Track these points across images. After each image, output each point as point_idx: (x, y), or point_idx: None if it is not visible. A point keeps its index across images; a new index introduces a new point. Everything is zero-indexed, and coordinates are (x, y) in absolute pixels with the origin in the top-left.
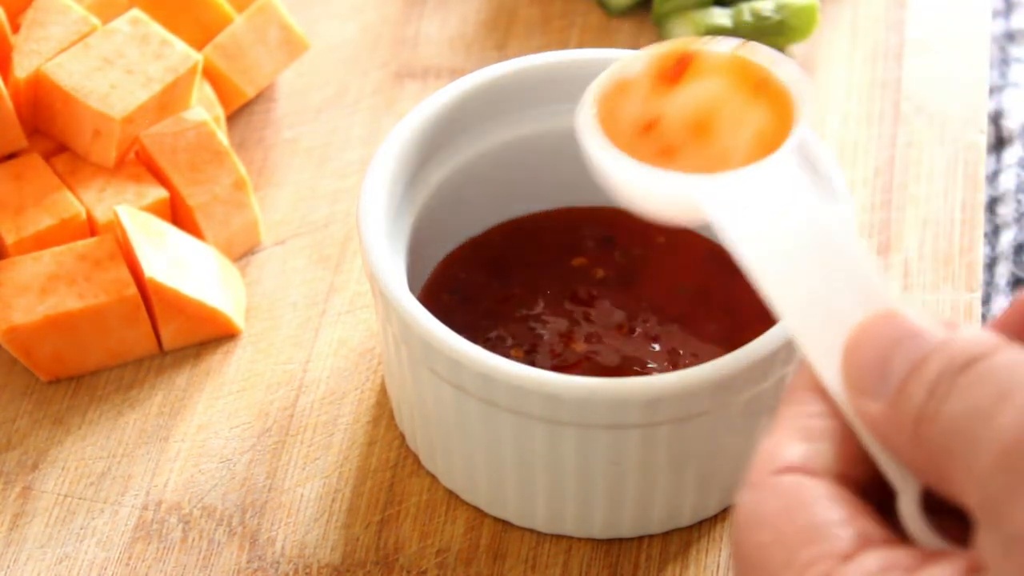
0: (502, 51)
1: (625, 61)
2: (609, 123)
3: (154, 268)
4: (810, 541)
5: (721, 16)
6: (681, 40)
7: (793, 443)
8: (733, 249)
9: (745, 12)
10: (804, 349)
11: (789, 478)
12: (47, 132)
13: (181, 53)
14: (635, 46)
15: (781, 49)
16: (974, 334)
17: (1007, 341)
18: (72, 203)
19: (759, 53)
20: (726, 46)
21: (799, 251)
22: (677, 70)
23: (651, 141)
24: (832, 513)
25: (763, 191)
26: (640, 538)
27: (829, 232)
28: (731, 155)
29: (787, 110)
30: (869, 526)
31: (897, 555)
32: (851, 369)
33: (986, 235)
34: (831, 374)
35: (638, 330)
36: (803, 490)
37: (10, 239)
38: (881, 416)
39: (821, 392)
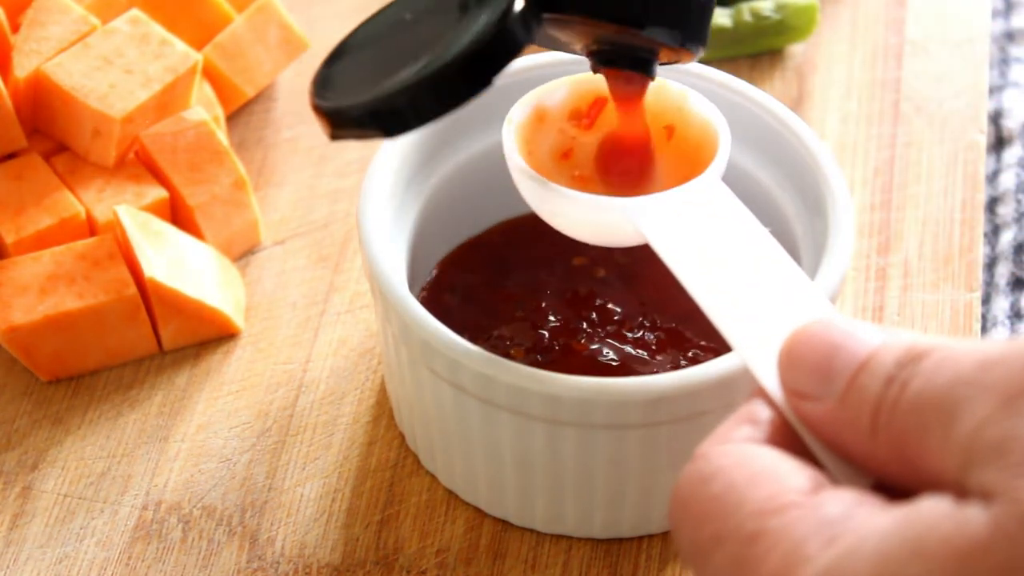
0: None
1: (542, 91)
2: (531, 145)
3: (154, 268)
4: (764, 482)
5: (721, 16)
6: (596, 79)
7: (741, 426)
8: (668, 266)
9: (745, 12)
10: (744, 358)
11: (736, 444)
12: (47, 132)
13: (181, 53)
14: None
15: (781, 49)
16: (918, 335)
17: (953, 339)
18: (72, 203)
19: (671, 89)
20: (638, 84)
21: (730, 265)
22: (592, 112)
23: (569, 167)
24: (783, 462)
25: (693, 209)
26: (640, 538)
27: (760, 247)
28: (649, 182)
29: (707, 142)
30: (822, 476)
31: (866, 496)
32: (789, 374)
33: (986, 235)
34: (771, 382)
35: (638, 330)
36: (751, 449)
37: (10, 239)
38: (827, 416)
39: (768, 398)
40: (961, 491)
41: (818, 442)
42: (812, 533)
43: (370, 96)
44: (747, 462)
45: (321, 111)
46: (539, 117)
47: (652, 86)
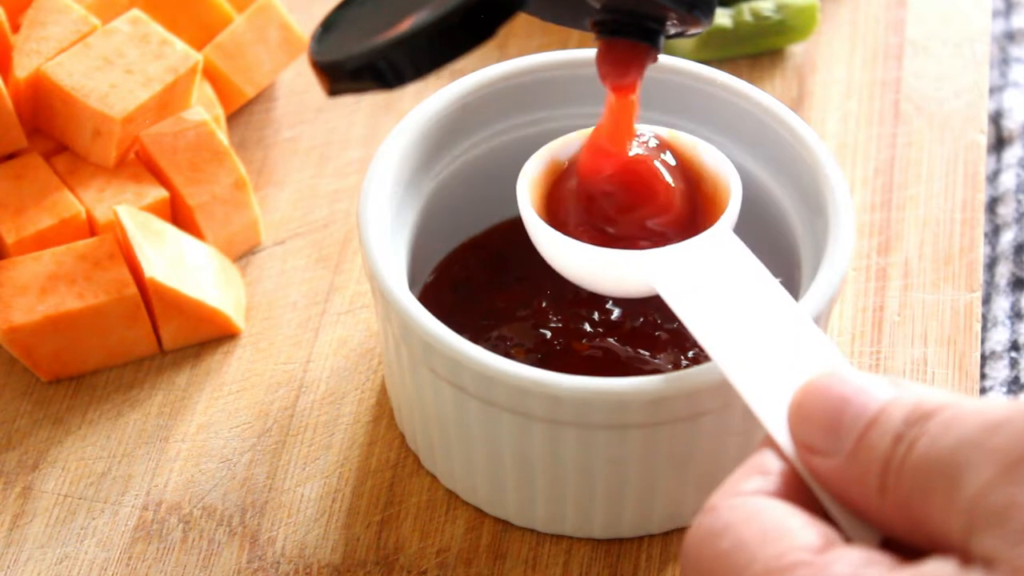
0: (502, 51)
1: (556, 145)
2: (550, 198)
3: (154, 268)
4: (773, 540)
5: (721, 16)
6: (606, 134)
7: (751, 477)
8: (679, 317)
9: (745, 12)
10: (753, 410)
11: (747, 499)
12: (47, 132)
13: (181, 53)
14: None
15: (781, 49)
16: (926, 389)
17: (958, 396)
18: (72, 203)
19: (683, 139)
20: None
21: (740, 317)
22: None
23: (590, 215)
24: (792, 518)
25: (704, 260)
26: (640, 538)
27: (770, 298)
28: (665, 232)
29: (719, 193)
30: (832, 532)
31: (876, 555)
32: (799, 428)
33: (986, 235)
34: (782, 435)
35: (639, 330)
36: (761, 503)
37: (10, 239)
38: (836, 471)
39: (778, 449)
40: (966, 554)
41: (828, 496)
42: None
43: (367, 48)
44: (756, 517)
45: (318, 66)
46: (553, 170)
47: (665, 135)
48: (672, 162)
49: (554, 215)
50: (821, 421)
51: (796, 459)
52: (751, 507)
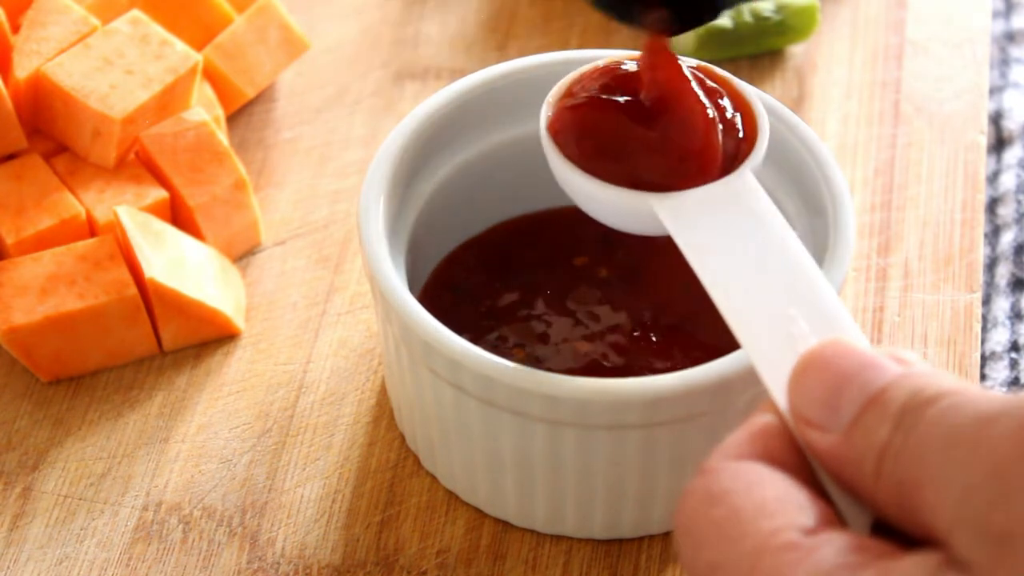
0: (502, 51)
1: (580, 70)
2: (567, 133)
3: (154, 268)
4: (769, 514)
5: (721, 17)
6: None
7: (753, 440)
8: (690, 263)
9: (745, 12)
10: (758, 369)
11: (747, 464)
12: (47, 132)
13: (181, 53)
14: (635, 46)
15: (781, 49)
16: (930, 370)
17: (963, 381)
18: (72, 203)
19: (716, 69)
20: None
21: (753, 270)
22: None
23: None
24: (792, 493)
25: (719, 208)
26: (640, 539)
27: (786, 253)
28: (690, 166)
29: (748, 125)
30: (831, 512)
31: (865, 541)
32: (798, 400)
33: (986, 235)
34: (783, 399)
35: (639, 330)
36: (761, 472)
37: (10, 239)
38: (833, 449)
39: (779, 414)
40: (950, 551)
41: (824, 472)
42: None
43: None
44: (755, 489)
45: None
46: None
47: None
48: (723, 103)
49: (578, 140)
50: (820, 396)
51: (794, 429)
52: (751, 476)
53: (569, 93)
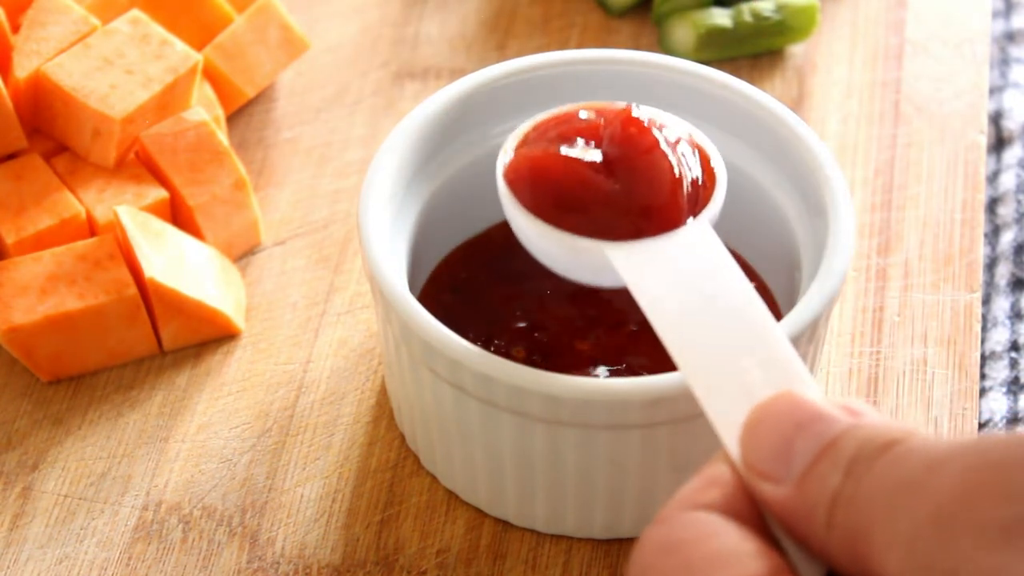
0: (502, 51)
1: (537, 118)
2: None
3: (154, 268)
4: (722, 565)
5: (721, 16)
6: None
7: (708, 489)
8: (644, 311)
9: (745, 12)
10: (711, 420)
11: (702, 514)
12: (47, 132)
13: (181, 53)
14: (635, 46)
15: (781, 49)
16: (881, 419)
17: (913, 428)
18: (72, 203)
19: (678, 124)
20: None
21: (707, 320)
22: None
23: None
24: (745, 544)
25: (675, 257)
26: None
27: (739, 303)
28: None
29: (707, 173)
30: (784, 564)
31: None
32: (751, 452)
33: (986, 235)
34: (736, 451)
35: (639, 330)
36: (715, 523)
37: (10, 239)
38: (785, 501)
39: (733, 465)
40: None
41: (777, 524)
42: None
43: None
44: (709, 540)
45: None
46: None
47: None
48: (686, 152)
49: (534, 189)
50: (772, 448)
51: (747, 481)
52: (704, 527)
53: (527, 140)
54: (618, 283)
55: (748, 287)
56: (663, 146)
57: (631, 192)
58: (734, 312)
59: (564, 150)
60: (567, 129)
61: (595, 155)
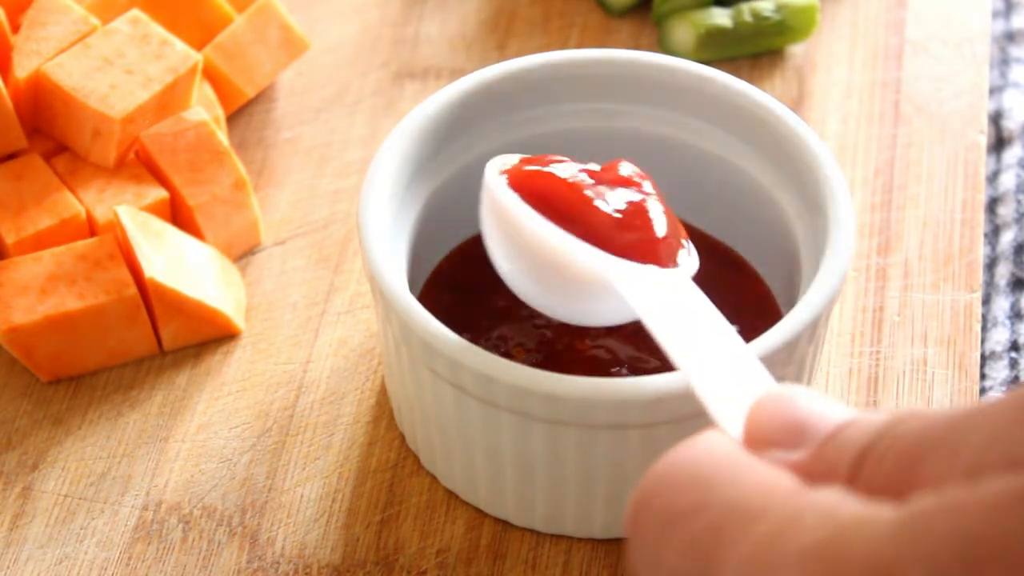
0: (502, 51)
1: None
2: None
3: (154, 268)
4: (757, 468)
5: (721, 16)
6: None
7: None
8: (648, 327)
9: (745, 12)
10: (709, 409)
11: (723, 437)
12: (47, 132)
13: (181, 53)
14: (635, 46)
15: (781, 49)
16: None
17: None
18: (72, 203)
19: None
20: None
21: (703, 347)
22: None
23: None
24: (766, 463)
25: (666, 290)
26: None
27: (728, 348)
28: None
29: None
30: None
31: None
32: (761, 421)
33: (986, 235)
34: (739, 425)
35: (639, 330)
36: (737, 447)
37: (10, 239)
38: (797, 464)
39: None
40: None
41: None
42: (808, 508)
43: None
44: (736, 452)
45: None
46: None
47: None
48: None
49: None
50: (787, 418)
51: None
52: (729, 445)
53: (522, 163)
54: (607, 316)
55: (738, 340)
56: (655, 198)
57: (631, 225)
58: (720, 350)
59: (564, 171)
60: (559, 166)
61: (596, 188)
